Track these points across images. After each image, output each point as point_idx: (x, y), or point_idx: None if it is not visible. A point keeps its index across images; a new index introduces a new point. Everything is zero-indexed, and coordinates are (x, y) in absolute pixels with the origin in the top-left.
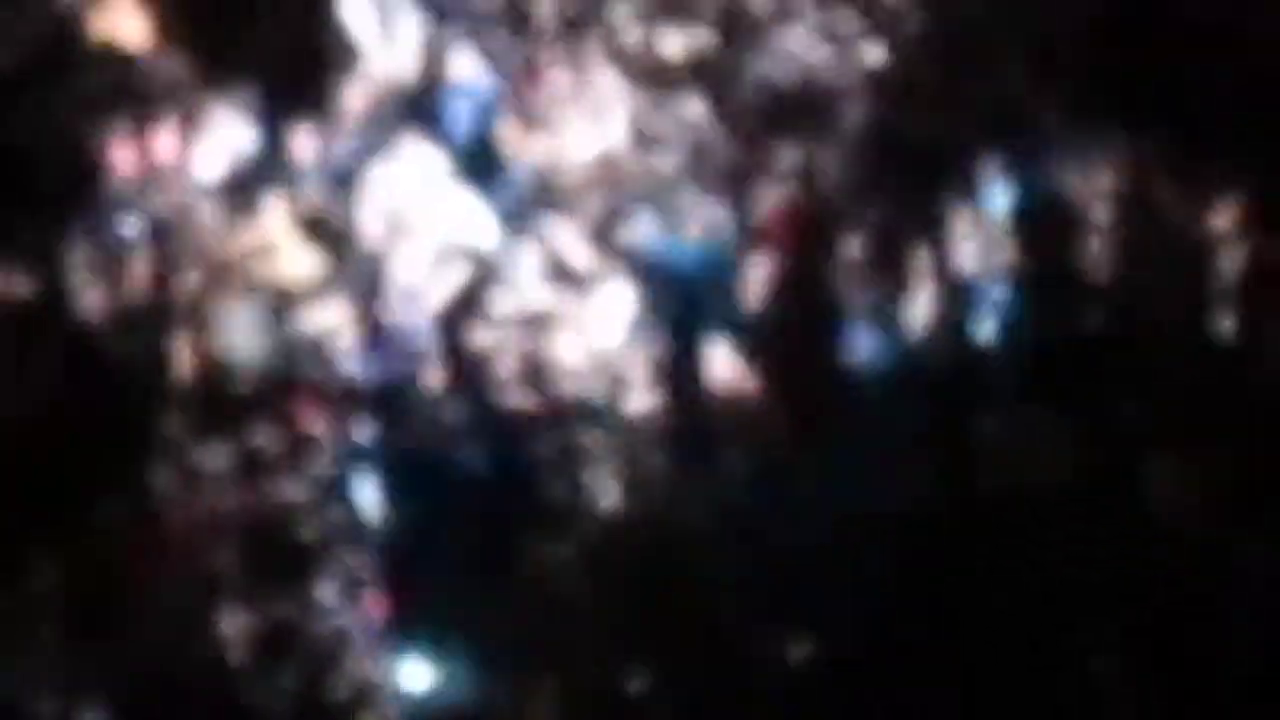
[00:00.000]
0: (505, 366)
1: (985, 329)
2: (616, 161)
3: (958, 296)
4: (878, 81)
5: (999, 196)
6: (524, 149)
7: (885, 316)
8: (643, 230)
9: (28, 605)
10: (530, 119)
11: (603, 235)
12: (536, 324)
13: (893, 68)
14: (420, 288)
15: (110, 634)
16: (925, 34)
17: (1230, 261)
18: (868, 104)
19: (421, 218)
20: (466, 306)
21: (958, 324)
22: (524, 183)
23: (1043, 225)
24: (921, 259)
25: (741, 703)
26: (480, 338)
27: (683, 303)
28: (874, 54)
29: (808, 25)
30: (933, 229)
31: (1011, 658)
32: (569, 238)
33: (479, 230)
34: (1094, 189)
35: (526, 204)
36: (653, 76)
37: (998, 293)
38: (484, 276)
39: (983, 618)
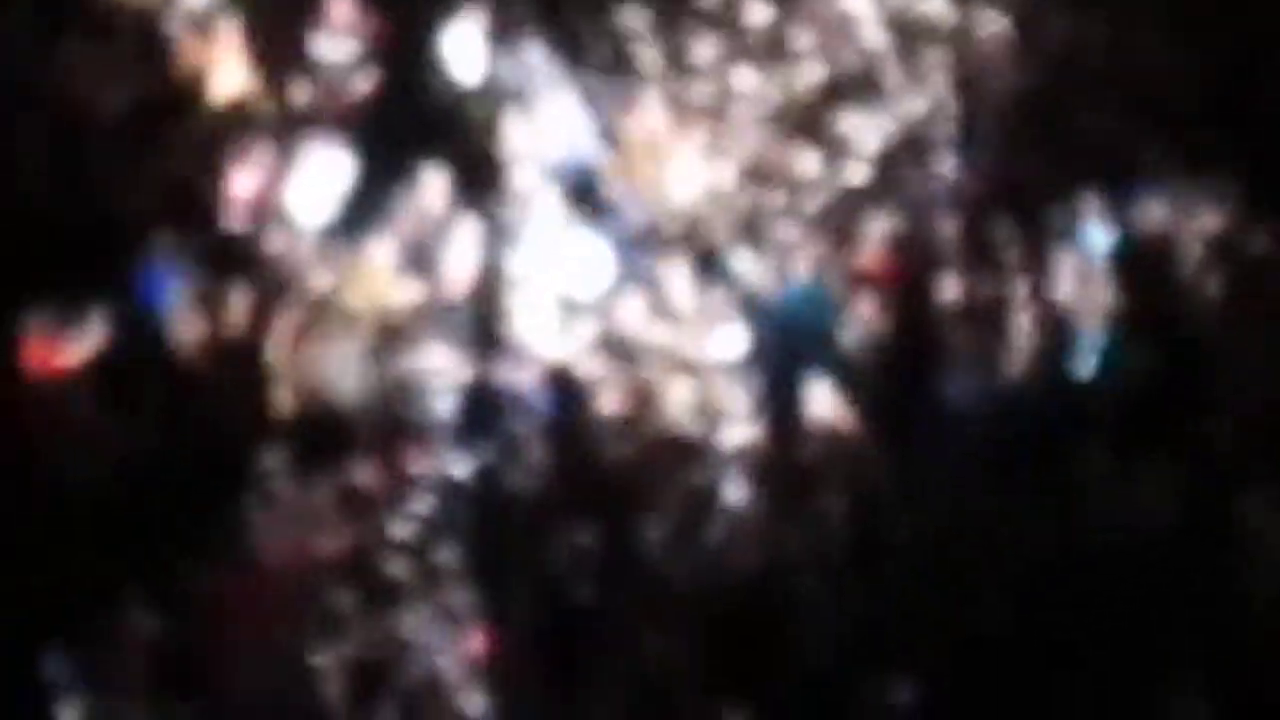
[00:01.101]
0: (611, 404)
1: (1085, 369)
2: (723, 201)
3: (1057, 336)
4: (978, 126)
5: (1098, 237)
6: (629, 190)
7: (985, 357)
8: (749, 270)
9: (125, 648)
10: (635, 161)
11: (710, 275)
12: (642, 362)
13: (993, 111)
14: (526, 333)
15: (207, 674)
16: (1025, 77)
17: None
18: (969, 148)
19: (528, 264)
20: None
21: (1057, 364)
22: (631, 224)
23: (1141, 266)
24: (1021, 299)
25: None
26: (586, 376)
27: (786, 343)
28: (974, 98)
29: (906, 72)
30: (1033, 270)
31: (1105, 696)
32: (677, 277)
33: (586, 276)
34: (1193, 230)
35: (634, 244)
36: (760, 120)
37: (1097, 333)
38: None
39: (1081, 657)
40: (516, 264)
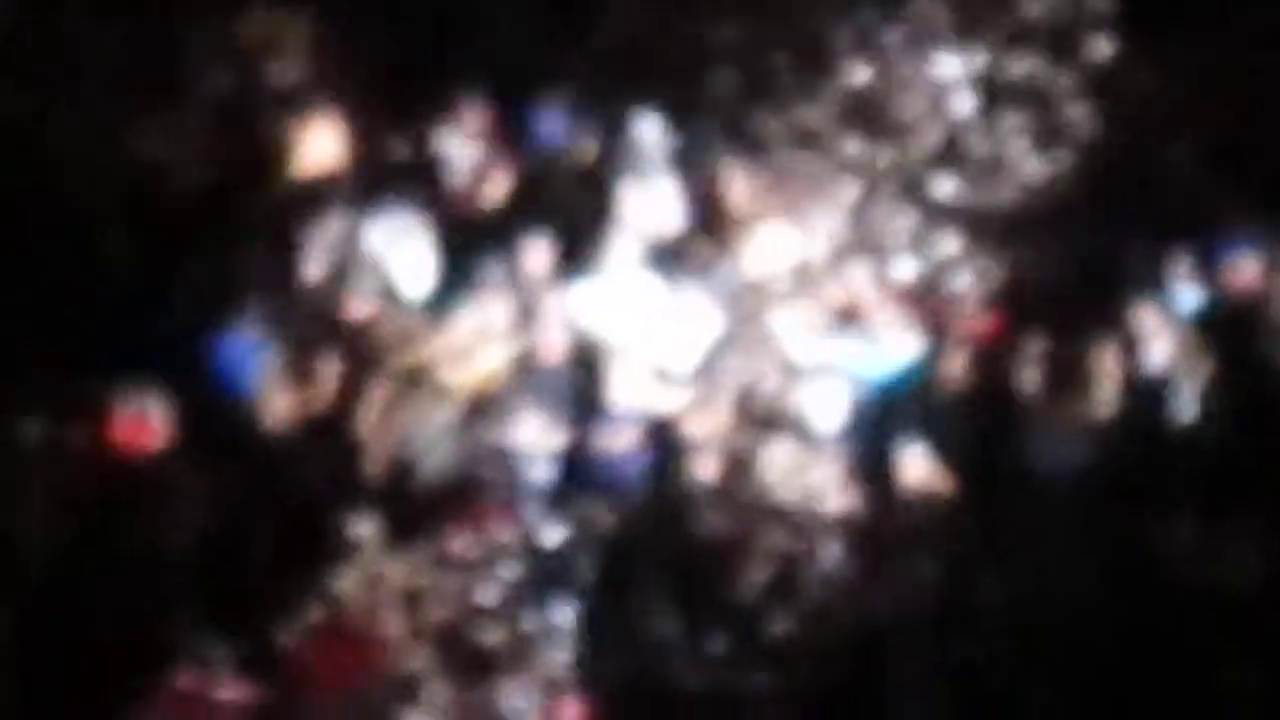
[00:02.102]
0: (707, 469)
1: (1172, 429)
2: (818, 269)
3: (1145, 397)
4: (1062, 185)
5: (1186, 296)
6: (727, 257)
7: (1073, 418)
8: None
9: (216, 715)
10: (731, 227)
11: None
12: (739, 427)
13: (1075, 171)
14: (622, 399)
15: None
16: (1108, 136)
17: None
18: (1055, 209)
19: (625, 329)
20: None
21: (1145, 425)
22: (730, 288)
23: (1230, 325)
24: (1109, 360)
25: None
26: (681, 440)
27: (881, 407)
28: (1056, 157)
29: (992, 134)
30: (1120, 329)
31: None
32: (774, 342)
33: (684, 341)
34: None
35: (733, 308)
36: (855, 187)
37: (1185, 392)
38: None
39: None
40: (613, 330)
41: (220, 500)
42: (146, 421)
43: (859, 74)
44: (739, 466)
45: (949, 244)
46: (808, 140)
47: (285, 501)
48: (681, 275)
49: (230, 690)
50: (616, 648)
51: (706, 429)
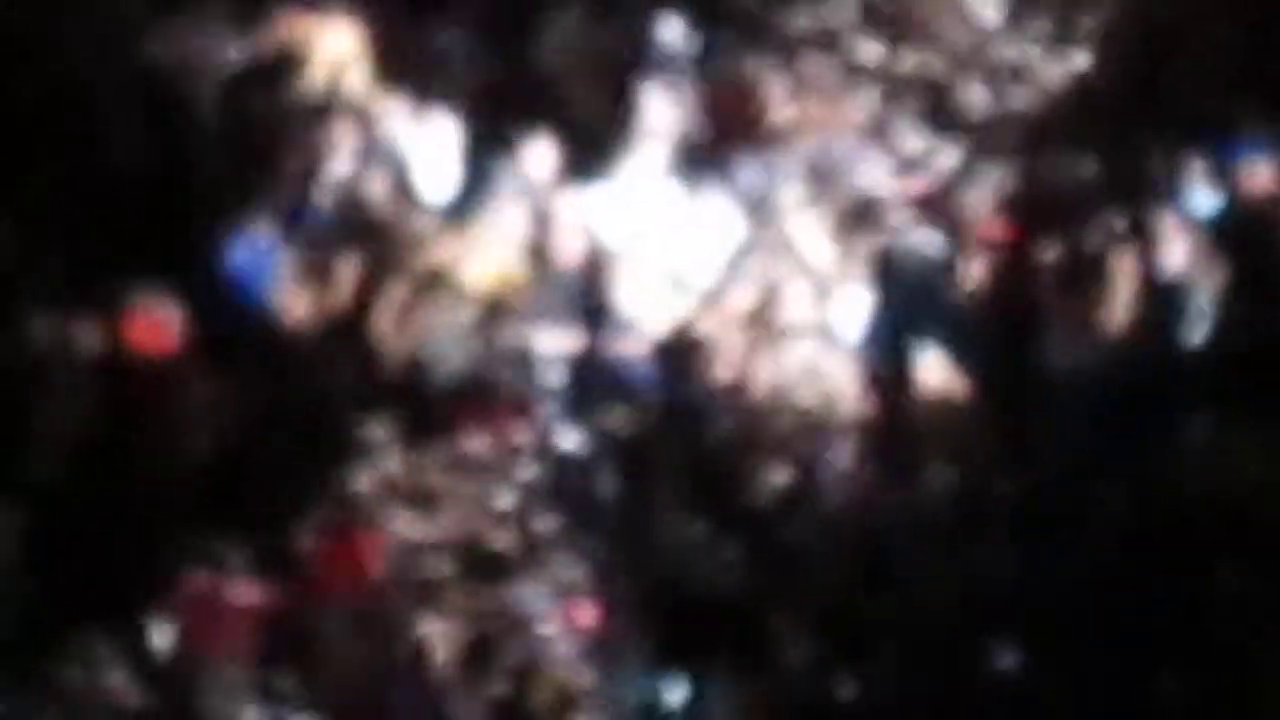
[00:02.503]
0: (722, 373)
1: (1188, 333)
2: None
3: (1161, 301)
4: (1080, 90)
5: (1202, 201)
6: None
7: (1089, 321)
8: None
9: (230, 616)
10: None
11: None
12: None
13: (1094, 75)
14: (639, 309)
15: (312, 643)
16: (1126, 40)
17: None
18: (1072, 112)
19: (641, 239)
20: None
21: (1161, 328)
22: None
23: (1245, 228)
24: (1125, 263)
25: (946, 712)
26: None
27: (898, 312)
28: (1076, 62)
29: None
30: (1136, 233)
31: (1207, 662)
32: (791, 246)
33: (699, 244)
34: None
35: (750, 212)
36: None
37: (1200, 297)
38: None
39: (1183, 624)
40: (630, 235)
41: (235, 401)
42: (161, 322)
43: None
44: (756, 371)
45: (968, 149)
46: (829, 43)
47: (300, 403)
48: (701, 180)
49: (243, 592)
50: (631, 552)
51: (724, 334)
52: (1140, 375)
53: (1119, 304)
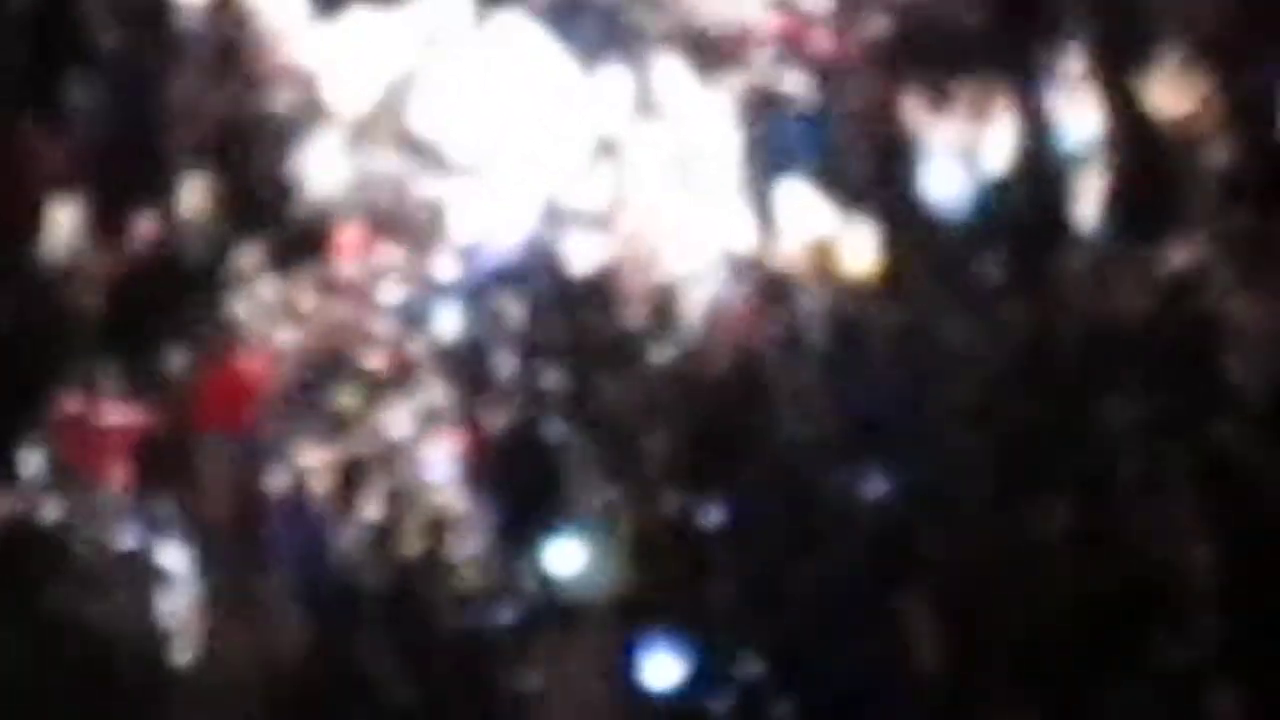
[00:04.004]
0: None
1: (1065, 167)
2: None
3: (1038, 134)
4: None
5: (1080, 36)
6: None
7: (968, 154)
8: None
9: (105, 438)
10: None
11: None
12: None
13: None
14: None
15: (190, 471)
16: None
17: None
18: None
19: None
20: None
21: (1038, 161)
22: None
23: (1122, 65)
24: (1002, 99)
25: (812, 537)
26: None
27: (771, 146)
28: None
29: None
30: (1016, 68)
31: (1084, 487)
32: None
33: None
34: (1176, 27)
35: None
36: None
37: (1078, 131)
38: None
39: (1062, 452)
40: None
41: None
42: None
43: None
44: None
45: None
46: None
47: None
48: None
49: (119, 414)
50: (498, 379)
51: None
52: (1019, 207)
53: (995, 137)
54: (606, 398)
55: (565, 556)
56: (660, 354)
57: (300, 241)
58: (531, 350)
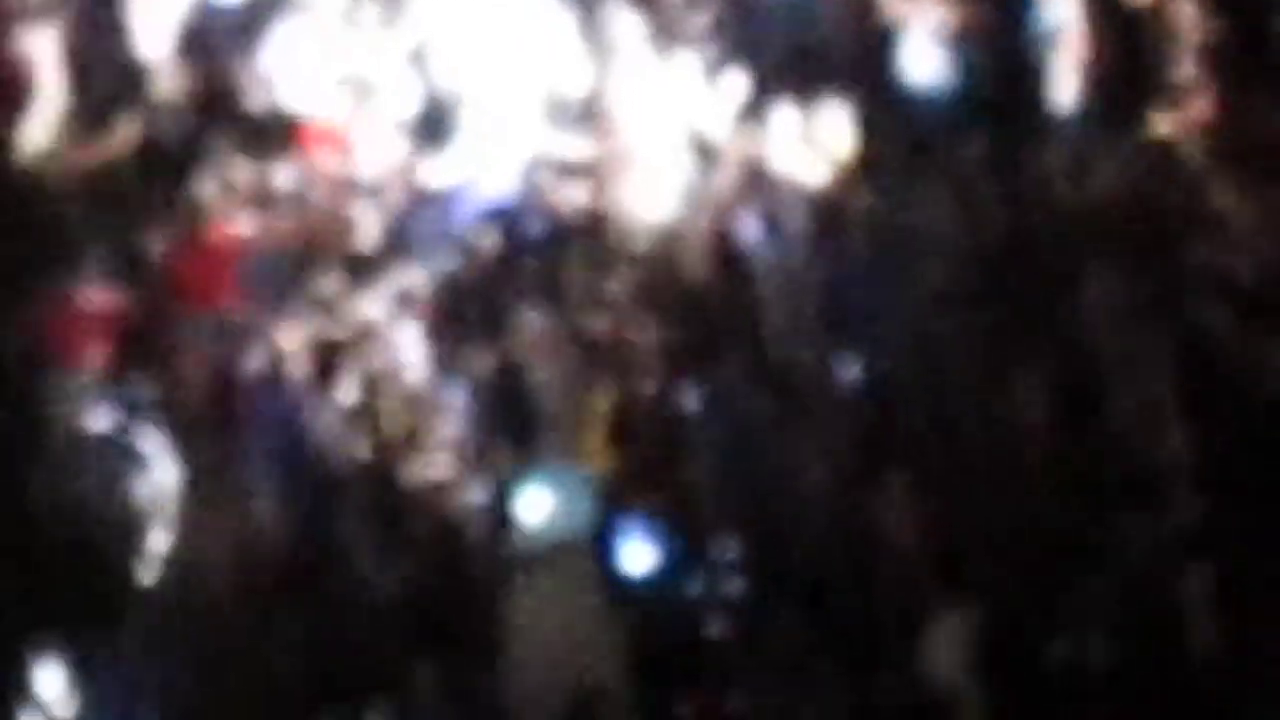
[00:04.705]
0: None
1: (1040, 54)
2: None
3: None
4: None
5: None
6: None
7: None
8: None
9: (86, 321)
10: None
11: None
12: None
13: None
14: None
15: (166, 353)
16: None
17: None
18: None
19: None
20: None
21: (1014, 47)
22: None
23: None
24: None
25: (786, 423)
26: None
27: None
28: None
29: None
30: None
31: (1062, 368)
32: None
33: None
34: None
35: None
36: None
37: (1051, 16)
38: None
39: (1041, 338)
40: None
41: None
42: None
43: None
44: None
45: None
46: None
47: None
48: None
49: (99, 298)
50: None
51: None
52: (1003, 83)
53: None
54: (583, 283)
55: (535, 504)
56: (638, 242)
57: (272, 129)
58: (508, 235)
